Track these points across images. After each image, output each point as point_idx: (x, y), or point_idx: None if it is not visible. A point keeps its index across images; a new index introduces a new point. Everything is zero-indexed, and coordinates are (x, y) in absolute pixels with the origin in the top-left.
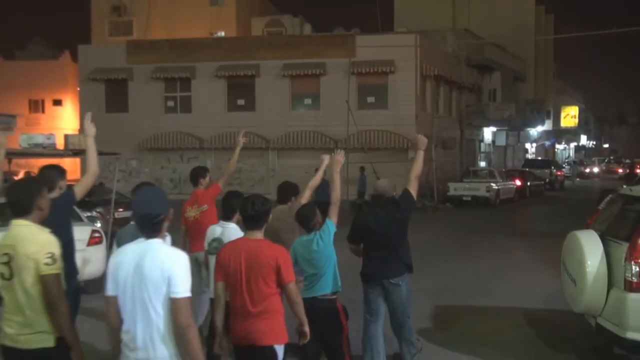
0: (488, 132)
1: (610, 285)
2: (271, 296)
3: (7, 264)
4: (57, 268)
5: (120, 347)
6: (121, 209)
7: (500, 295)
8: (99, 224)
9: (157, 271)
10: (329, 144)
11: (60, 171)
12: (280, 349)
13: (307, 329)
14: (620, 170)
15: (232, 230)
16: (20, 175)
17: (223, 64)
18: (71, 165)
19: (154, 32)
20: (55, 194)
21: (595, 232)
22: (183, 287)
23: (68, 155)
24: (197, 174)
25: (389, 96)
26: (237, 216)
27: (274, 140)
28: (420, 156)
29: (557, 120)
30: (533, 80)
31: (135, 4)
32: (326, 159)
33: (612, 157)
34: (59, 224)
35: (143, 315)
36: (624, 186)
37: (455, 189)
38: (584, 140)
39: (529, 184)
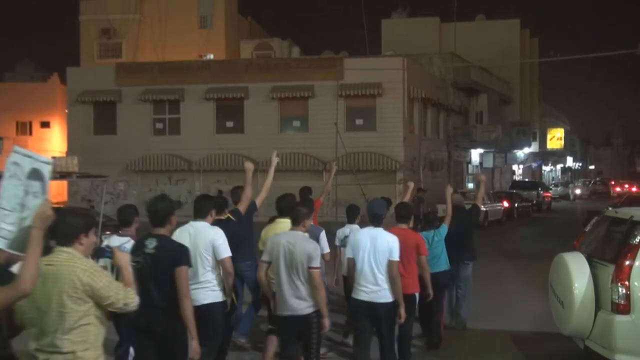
0: (475, 154)
1: (598, 307)
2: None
3: None
4: None
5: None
6: (108, 232)
7: (489, 318)
8: None
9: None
10: (317, 166)
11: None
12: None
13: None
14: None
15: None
16: None
17: (212, 86)
18: (58, 187)
19: (143, 54)
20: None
21: (582, 254)
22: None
23: (55, 179)
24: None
25: (377, 118)
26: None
27: (263, 162)
28: (482, 188)
29: (543, 142)
30: (519, 102)
31: (125, 27)
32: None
33: (597, 179)
34: None
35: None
36: (609, 208)
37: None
38: (570, 161)
39: (516, 205)
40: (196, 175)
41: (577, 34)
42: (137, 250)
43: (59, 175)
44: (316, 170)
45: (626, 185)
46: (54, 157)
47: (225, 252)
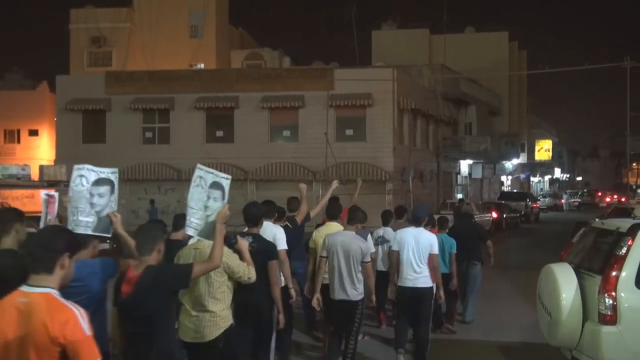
0: (464, 165)
1: (585, 318)
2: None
3: None
4: None
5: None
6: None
7: (478, 328)
8: None
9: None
10: (307, 176)
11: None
12: None
13: None
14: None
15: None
16: None
17: (202, 96)
18: None
19: (134, 63)
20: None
21: (569, 265)
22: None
23: (43, 187)
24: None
25: (367, 129)
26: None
27: (253, 171)
28: None
29: (531, 153)
30: (507, 114)
31: (115, 36)
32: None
33: (585, 190)
34: None
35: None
36: (596, 219)
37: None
38: (557, 173)
39: (505, 216)
40: (186, 185)
41: (565, 46)
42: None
43: (46, 183)
44: (306, 180)
45: (615, 196)
46: (41, 166)
47: (282, 245)
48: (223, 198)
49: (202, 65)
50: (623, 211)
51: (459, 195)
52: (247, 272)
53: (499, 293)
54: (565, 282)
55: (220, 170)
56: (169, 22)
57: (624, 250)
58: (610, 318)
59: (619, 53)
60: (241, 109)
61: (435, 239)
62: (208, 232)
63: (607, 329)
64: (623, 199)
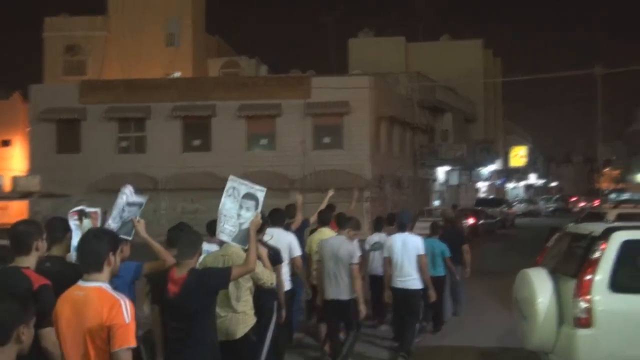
0: (441, 172)
1: (561, 322)
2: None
3: None
4: None
5: None
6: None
7: (456, 334)
8: None
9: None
10: (285, 184)
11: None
12: None
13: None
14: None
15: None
16: None
17: (179, 104)
18: (20, 207)
19: (109, 72)
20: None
21: (544, 269)
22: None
23: (15, 198)
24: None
25: (344, 137)
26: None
27: None
28: None
29: (506, 159)
30: (483, 121)
31: (90, 44)
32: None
33: (558, 196)
34: None
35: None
36: (571, 224)
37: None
38: (533, 178)
39: (481, 222)
40: (162, 194)
41: (540, 54)
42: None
43: (19, 195)
44: (283, 188)
45: (589, 201)
46: (14, 177)
47: (297, 252)
48: (256, 208)
49: (179, 74)
50: (596, 216)
51: (437, 202)
52: (270, 277)
53: (476, 298)
54: (540, 287)
55: (198, 180)
56: (145, 30)
57: (597, 254)
58: (585, 321)
59: (592, 60)
60: (218, 118)
61: (421, 242)
62: (242, 238)
63: (582, 332)
64: (596, 204)
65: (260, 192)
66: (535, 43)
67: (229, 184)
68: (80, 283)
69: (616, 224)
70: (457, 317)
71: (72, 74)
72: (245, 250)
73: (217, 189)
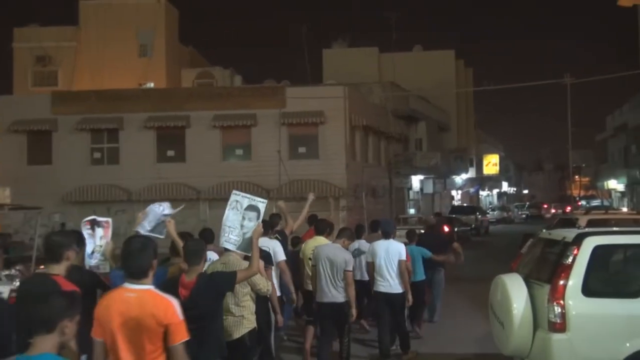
0: (416, 180)
1: (536, 326)
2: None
3: None
4: None
5: None
6: (42, 266)
7: (433, 341)
8: (18, 283)
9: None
10: (261, 194)
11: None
12: None
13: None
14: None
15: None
16: None
17: (152, 115)
18: None
19: (81, 83)
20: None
21: (519, 275)
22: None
23: None
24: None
25: (320, 146)
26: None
27: (205, 191)
28: None
29: (479, 168)
30: (456, 130)
31: (61, 54)
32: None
33: (528, 203)
34: None
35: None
36: (544, 230)
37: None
38: (505, 186)
39: (456, 229)
40: (136, 206)
41: (510, 64)
42: None
43: None
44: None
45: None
46: None
47: (282, 256)
48: (258, 218)
49: (152, 85)
50: (568, 222)
51: (412, 210)
52: (266, 285)
53: (452, 305)
54: (515, 293)
55: (173, 191)
56: (116, 41)
57: (570, 260)
58: (560, 326)
59: (560, 70)
60: (192, 128)
61: (403, 248)
62: (246, 246)
63: (557, 336)
64: (567, 210)
65: (261, 204)
66: (506, 53)
67: (232, 198)
68: (128, 285)
69: (587, 229)
70: (433, 324)
71: (43, 85)
72: (247, 258)
73: (192, 200)
